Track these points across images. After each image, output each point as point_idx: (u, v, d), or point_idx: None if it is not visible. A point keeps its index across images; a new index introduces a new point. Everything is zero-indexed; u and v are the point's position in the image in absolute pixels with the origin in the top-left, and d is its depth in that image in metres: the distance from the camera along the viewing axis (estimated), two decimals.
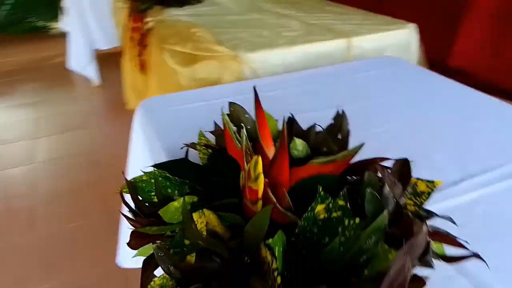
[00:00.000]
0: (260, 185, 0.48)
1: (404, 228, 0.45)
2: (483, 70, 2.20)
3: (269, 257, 0.42)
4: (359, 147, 0.53)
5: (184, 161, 0.61)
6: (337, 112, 0.65)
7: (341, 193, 0.44)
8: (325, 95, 1.14)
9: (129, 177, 0.56)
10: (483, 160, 0.82)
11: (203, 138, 0.66)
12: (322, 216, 0.45)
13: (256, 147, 0.59)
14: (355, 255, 0.43)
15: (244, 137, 0.55)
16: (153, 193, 0.56)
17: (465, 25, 2.36)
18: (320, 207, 0.43)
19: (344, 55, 1.52)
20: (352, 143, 0.61)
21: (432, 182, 0.52)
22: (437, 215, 0.52)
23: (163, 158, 0.86)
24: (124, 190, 0.57)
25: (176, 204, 0.50)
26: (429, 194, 0.52)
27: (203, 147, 0.64)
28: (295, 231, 0.44)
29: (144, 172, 0.57)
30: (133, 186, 0.56)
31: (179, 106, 1.09)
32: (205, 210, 0.47)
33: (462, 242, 0.48)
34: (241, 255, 0.45)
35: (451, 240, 0.47)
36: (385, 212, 0.44)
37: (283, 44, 1.46)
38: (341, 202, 0.43)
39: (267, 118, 0.68)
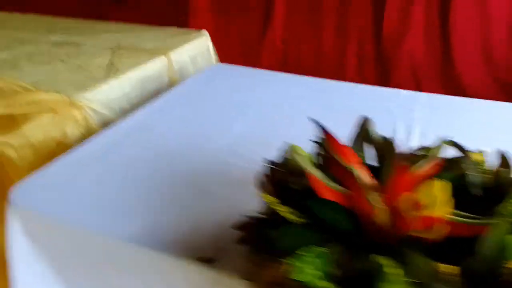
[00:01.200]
0: (442, 209, 0.46)
1: None
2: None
3: None
4: (444, 141, 0.58)
5: (297, 227, 0.49)
6: (362, 118, 0.66)
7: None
8: (203, 119, 1.06)
9: None
10: None
11: (272, 199, 0.54)
12: None
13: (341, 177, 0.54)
14: None
15: (359, 174, 0.50)
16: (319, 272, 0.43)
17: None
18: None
19: (167, 72, 1.44)
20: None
21: (481, 152, 0.62)
22: None
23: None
24: None
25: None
26: (483, 162, 0.61)
27: (283, 206, 0.53)
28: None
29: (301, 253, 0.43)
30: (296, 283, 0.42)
31: (72, 179, 0.80)
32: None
33: None
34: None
35: None
36: None
37: (110, 74, 1.25)
38: None
39: (297, 149, 0.62)
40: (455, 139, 0.60)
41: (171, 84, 1.44)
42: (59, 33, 1.65)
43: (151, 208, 0.73)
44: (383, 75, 2.54)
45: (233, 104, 1.12)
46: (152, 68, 1.37)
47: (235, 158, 0.88)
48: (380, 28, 2.48)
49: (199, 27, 2.49)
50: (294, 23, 2.61)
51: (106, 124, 1.12)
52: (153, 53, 1.44)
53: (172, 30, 1.71)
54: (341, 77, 2.51)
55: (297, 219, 0.52)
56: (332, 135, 0.56)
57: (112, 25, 1.78)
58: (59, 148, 1.03)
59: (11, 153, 0.99)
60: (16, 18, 1.95)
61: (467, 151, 0.60)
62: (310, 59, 2.66)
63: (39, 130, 1.02)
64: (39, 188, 0.79)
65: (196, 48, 1.61)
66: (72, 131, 1.06)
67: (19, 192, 0.77)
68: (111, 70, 1.28)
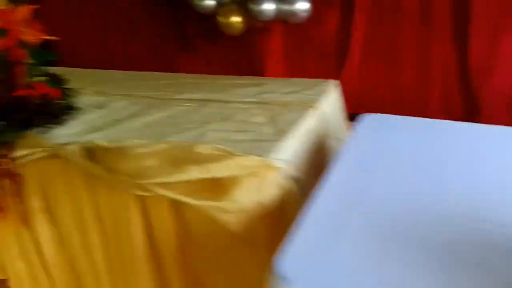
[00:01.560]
0: None
1: None
2: None
3: None
4: None
5: None
6: None
7: None
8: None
9: None
10: None
11: None
12: None
13: None
14: None
15: None
16: None
17: None
18: None
19: (319, 125, 1.45)
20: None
21: None
22: None
23: None
24: None
25: None
26: None
27: None
28: None
29: None
30: None
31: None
32: None
33: None
34: None
35: None
36: None
37: (279, 132, 1.26)
38: None
39: None
40: None
41: (323, 136, 1.44)
42: (191, 90, 1.68)
43: (436, 276, 0.71)
44: (471, 111, 2.47)
45: (425, 159, 1.10)
46: (309, 122, 1.38)
47: (476, 221, 0.85)
48: (465, 61, 2.42)
49: (273, 73, 2.53)
50: (371, 62, 2.60)
51: (298, 184, 1.12)
52: (301, 106, 1.45)
53: (301, 82, 1.73)
54: (424, 115, 2.46)
55: None
56: None
57: (239, 80, 1.80)
58: (265, 211, 1.04)
59: (226, 218, 1.00)
60: (126, 76, 2.01)
61: None
62: (389, 98, 2.62)
63: (246, 194, 1.03)
64: (300, 259, 0.78)
65: (331, 98, 1.62)
66: (272, 193, 1.06)
67: (284, 264, 0.76)
68: (277, 128, 1.30)
